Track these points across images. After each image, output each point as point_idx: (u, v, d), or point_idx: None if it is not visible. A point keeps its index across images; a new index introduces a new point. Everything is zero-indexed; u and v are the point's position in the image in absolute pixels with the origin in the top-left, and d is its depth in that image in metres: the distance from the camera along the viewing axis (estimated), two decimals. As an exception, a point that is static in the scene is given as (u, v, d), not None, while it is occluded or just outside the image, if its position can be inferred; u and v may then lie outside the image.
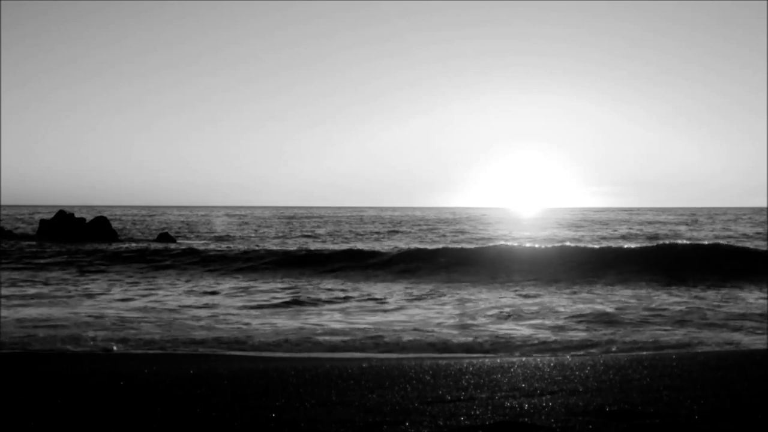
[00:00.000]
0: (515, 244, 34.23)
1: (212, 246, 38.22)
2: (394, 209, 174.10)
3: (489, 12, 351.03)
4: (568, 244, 34.68)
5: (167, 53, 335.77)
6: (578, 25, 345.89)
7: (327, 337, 13.17)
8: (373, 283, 23.78)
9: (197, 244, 41.01)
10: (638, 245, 32.11)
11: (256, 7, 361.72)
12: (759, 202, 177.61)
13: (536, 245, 32.37)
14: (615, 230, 59.52)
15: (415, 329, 14.14)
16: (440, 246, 35.35)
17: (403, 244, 41.72)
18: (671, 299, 18.44)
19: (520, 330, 14.07)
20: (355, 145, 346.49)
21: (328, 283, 23.35)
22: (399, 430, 5.08)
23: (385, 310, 17.18)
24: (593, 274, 24.10)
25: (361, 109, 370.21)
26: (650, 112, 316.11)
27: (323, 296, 19.69)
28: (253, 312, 16.78)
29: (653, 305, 17.21)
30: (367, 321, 15.38)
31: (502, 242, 35.78)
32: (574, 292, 20.19)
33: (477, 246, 34.50)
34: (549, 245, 32.26)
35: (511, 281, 23.43)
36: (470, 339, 12.98)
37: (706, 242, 33.24)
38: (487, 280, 23.63)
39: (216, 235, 52.09)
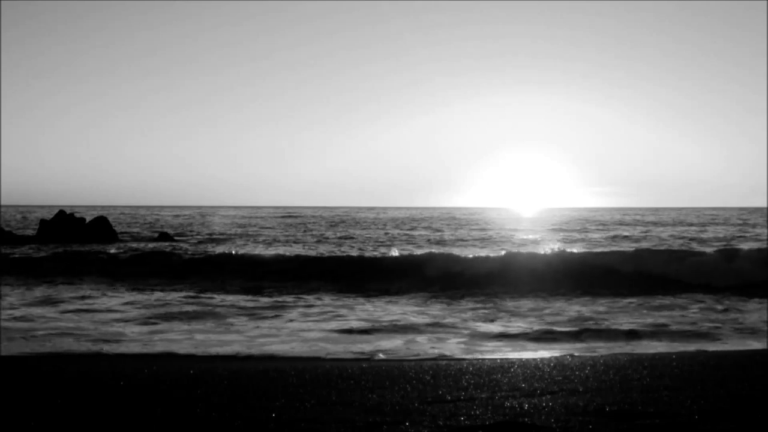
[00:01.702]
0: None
1: (201, 247, 37.88)
2: (392, 209, 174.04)
3: (489, 12, 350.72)
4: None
5: (167, 53, 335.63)
6: (578, 26, 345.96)
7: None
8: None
9: (196, 242, 41.12)
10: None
11: (255, 7, 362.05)
12: (759, 202, 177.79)
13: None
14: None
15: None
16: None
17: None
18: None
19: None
20: (355, 145, 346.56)
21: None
22: (399, 430, 5.08)
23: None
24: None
25: (361, 109, 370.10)
26: (650, 112, 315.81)
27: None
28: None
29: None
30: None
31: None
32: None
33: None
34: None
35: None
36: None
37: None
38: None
39: (214, 235, 52.25)
